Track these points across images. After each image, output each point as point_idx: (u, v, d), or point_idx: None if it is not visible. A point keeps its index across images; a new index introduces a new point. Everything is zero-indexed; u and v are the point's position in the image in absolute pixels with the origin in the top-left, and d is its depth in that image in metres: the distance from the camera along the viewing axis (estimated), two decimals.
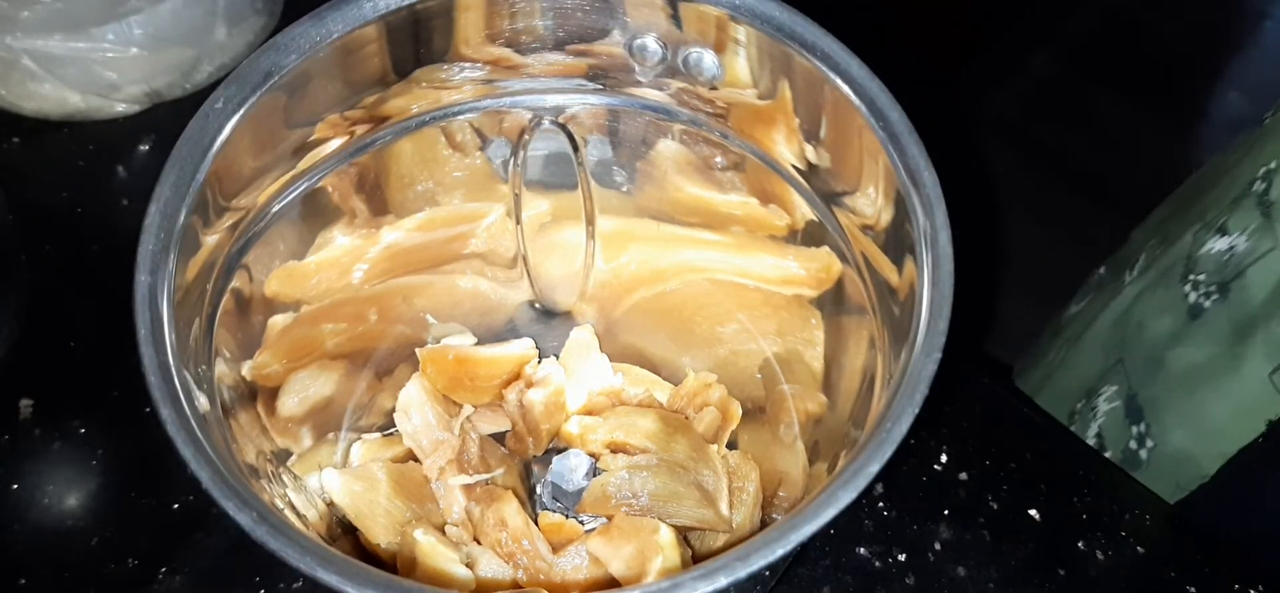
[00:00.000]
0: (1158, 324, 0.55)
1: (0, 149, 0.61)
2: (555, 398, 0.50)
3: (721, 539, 0.46)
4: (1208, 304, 0.52)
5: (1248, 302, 0.50)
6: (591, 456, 0.49)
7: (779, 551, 0.29)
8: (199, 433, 0.32)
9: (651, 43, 0.41)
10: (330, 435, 0.47)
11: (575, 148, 0.45)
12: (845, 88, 0.37)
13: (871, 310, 0.40)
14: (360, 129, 0.42)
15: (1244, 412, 0.50)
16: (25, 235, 0.59)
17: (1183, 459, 0.53)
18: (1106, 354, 0.59)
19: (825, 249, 0.43)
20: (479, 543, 0.45)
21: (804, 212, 0.43)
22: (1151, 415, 0.55)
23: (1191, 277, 0.53)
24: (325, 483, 0.44)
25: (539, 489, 0.50)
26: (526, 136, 0.45)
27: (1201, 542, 0.51)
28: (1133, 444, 0.55)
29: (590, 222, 0.48)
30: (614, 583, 0.42)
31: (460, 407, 0.50)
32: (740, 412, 0.50)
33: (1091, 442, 0.55)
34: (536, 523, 0.45)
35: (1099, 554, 0.49)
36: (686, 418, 0.49)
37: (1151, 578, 0.49)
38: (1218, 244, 0.53)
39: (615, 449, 0.48)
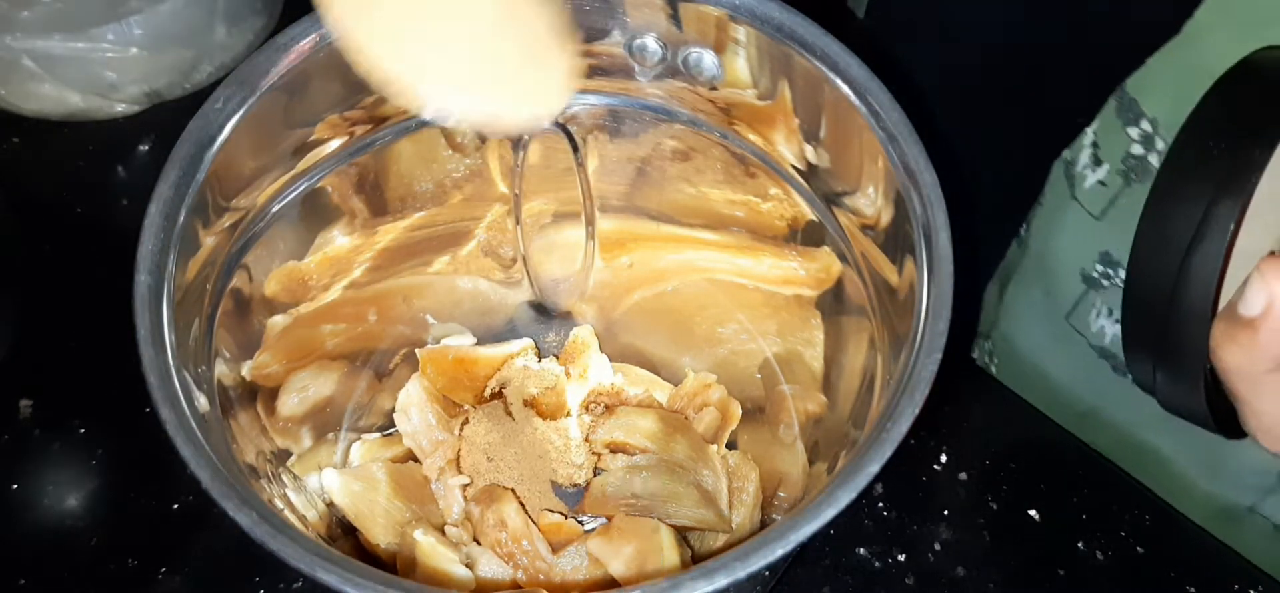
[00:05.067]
0: None
1: (0, 149, 0.61)
2: (555, 397, 0.50)
3: (721, 539, 0.46)
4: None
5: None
6: (592, 455, 0.49)
7: (779, 551, 0.29)
8: (199, 433, 0.32)
9: (651, 43, 0.41)
10: (330, 435, 0.47)
11: (575, 148, 0.45)
12: (845, 88, 0.37)
13: (871, 310, 0.40)
14: (360, 129, 0.42)
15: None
16: (25, 236, 0.59)
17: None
18: None
19: (825, 249, 0.43)
20: (479, 543, 0.45)
21: (804, 212, 0.43)
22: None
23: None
24: (325, 483, 0.44)
25: None
26: (526, 137, 0.45)
27: (1201, 542, 0.51)
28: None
29: (590, 222, 0.48)
30: (614, 583, 0.42)
31: (460, 407, 0.50)
32: (740, 412, 0.50)
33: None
34: (536, 523, 0.45)
35: (1099, 554, 0.49)
36: (686, 418, 0.49)
37: (1151, 578, 0.49)
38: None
39: (615, 449, 0.48)
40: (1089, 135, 0.51)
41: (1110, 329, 0.53)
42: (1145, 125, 0.47)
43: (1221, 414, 0.34)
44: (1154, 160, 0.47)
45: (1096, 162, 0.51)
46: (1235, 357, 0.31)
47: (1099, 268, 0.52)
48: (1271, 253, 0.31)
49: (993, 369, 0.62)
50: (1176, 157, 0.33)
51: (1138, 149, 0.48)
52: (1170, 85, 0.46)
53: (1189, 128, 0.33)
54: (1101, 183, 0.50)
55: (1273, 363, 0.30)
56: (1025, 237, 0.58)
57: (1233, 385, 0.32)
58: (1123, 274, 0.51)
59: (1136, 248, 0.33)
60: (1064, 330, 0.55)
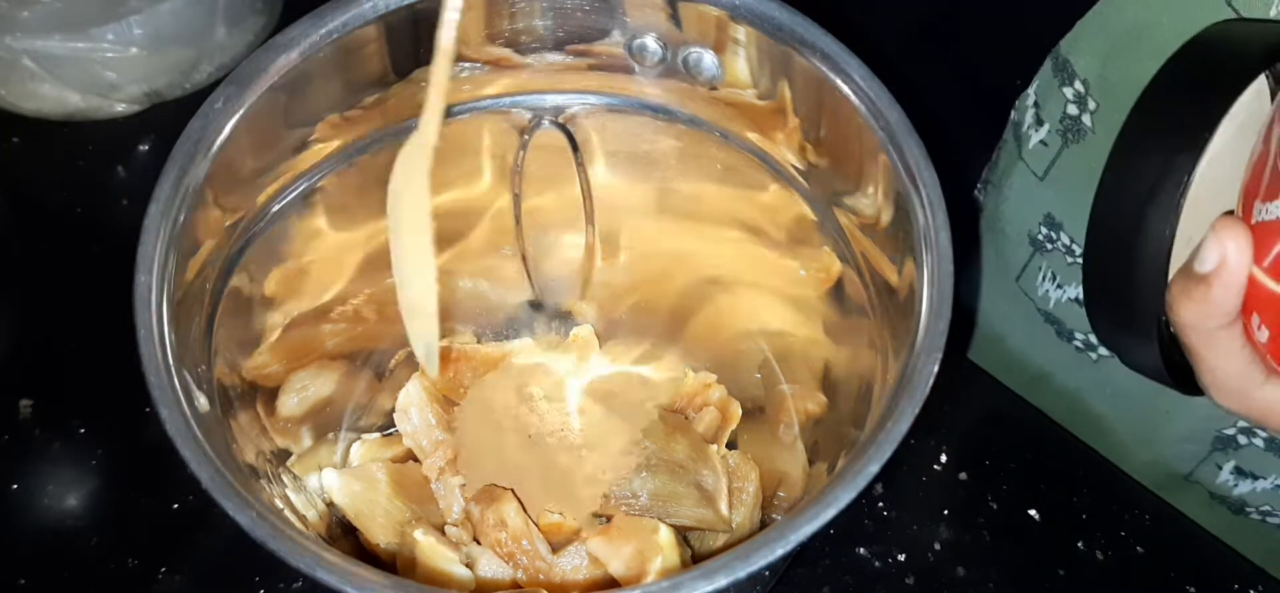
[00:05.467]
0: None
1: (0, 149, 0.61)
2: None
3: (721, 539, 0.46)
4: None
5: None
6: None
7: (779, 551, 0.29)
8: (199, 433, 0.32)
9: (651, 43, 0.41)
10: (330, 435, 0.47)
11: (575, 148, 0.45)
12: (845, 88, 0.37)
13: (871, 310, 0.40)
14: (360, 129, 0.42)
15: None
16: (25, 235, 0.59)
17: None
18: None
19: (825, 249, 0.43)
20: (479, 543, 0.45)
21: (804, 212, 0.43)
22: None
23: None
24: (325, 483, 0.44)
25: None
26: (526, 137, 0.45)
27: (1201, 542, 0.51)
28: None
29: (590, 222, 0.48)
30: (614, 583, 0.42)
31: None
32: (740, 412, 0.50)
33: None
34: (536, 523, 0.45)
35: (1099, 554, 0.49)
36: (686, 418, 0.49)
37: (1151, 578, 0.49)
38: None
39: None
40: (1031, 95, 0.52)
41: (1054, 294, 0.54)
42: (1078, 86, 0.48)
43: (1178, 372, 0.35)
44: (1087, 120, 0.48)
45: (1038, 121, 0.51)
46: (1190, 312, 0.32)
47: (1043, 230, 0.52)
48: (1228, 212, 0.32)
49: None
50: (1137, 115, 0.34)
51: (1073, 109, 0.48)
52: (1098, 46, 0.47)
53: (1150, 89, 0.34)
54: (1043, 143, 0.51)
55: (1225, 319, 0.32)
56: (980, 197, 0.58)
57: (1188, 342, 0.33)
58: (1064, 237, 0.51)
59: (1098, 200, 0.35)
60: (1014, 292, 0.56)
